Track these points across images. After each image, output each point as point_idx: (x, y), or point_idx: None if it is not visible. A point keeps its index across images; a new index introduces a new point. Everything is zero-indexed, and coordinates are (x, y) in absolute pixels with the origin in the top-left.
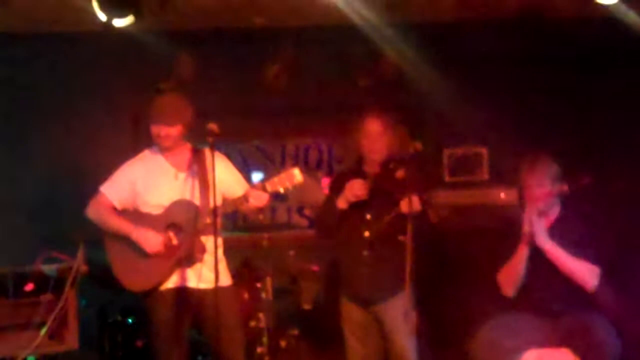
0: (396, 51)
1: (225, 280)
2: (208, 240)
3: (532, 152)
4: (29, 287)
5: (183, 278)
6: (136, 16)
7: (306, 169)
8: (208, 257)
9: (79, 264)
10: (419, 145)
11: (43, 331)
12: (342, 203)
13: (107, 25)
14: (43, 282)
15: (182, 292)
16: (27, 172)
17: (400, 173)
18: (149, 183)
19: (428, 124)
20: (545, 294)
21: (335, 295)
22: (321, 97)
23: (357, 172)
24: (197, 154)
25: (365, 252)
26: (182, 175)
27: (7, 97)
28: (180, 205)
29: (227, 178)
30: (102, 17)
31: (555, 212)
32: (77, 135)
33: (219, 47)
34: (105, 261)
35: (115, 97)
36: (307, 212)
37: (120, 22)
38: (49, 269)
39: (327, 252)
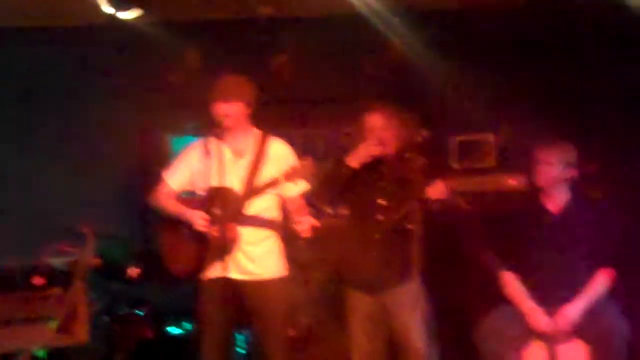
0: (402, 39)
1: (273, 272)
2: (253, 231)
3: (550, 134)
4: (38, 280)
5: (224, 268)
6: (143, 8)
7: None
8: (250, 248)
9: (88, 257)
10: (425, 133)
11: (53, 325)
12: (353, 161)
13: (112, 17)
14: (52, 276)
15: (224, 282)
16: (34, 165)
17: (420, 161)
18: (205, 169)
19: (434, 111)
20: (552, 282)
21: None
22: (327, 86)
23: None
24: (262, 140)
25: (377, 236)
26: (241, 162)
27: (13, 91)
28: (220, 191)
29: (278, 170)
30: (108, 9)
31: (565, 197)
32: (84, 128)
33: (224, 37)
34: (113, 254)
35: (121, 89)
36: (315, 201)
37: (125, 15)
38: (58, 262)
39: (337, 242)
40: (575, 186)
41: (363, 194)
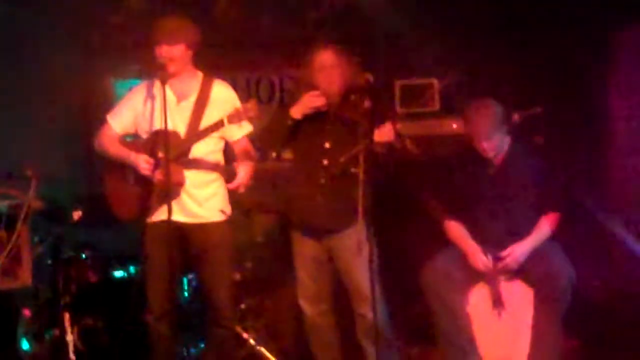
0: None
1: (218, 215)
2: (199, 174)
3: (475, 99)
4: None
5: (169, 211)
6: None
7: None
8: (195, 191)
9: (31, 199)
10: (370, 77)
11: None
12: (296, 113)
13: None
14: None
15: (169, 225)
16: None
17: (367, 103)
18: (149, 112)
19: (379, 55)
20: (498, 225)
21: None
22: (271, 29)
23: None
24: (205, 83)
25: (322, 181)
26: (185, 105)
27: None
28: (164, 134)
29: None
30: None
31: (506, 145)
32: (28, 71)
33: None
34: (57, 196)
35: (65, 32)
36: (259, 145)
37: None
38: (1, 205)
39: (281, 185)
40: (519, 131)
41: (309, 137)
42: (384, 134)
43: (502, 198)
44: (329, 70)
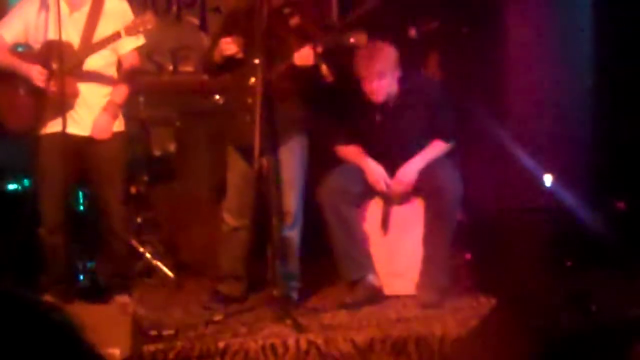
0: None
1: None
2: (93, 87)
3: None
4: None
5: (64, 123)
6: None
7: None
8: (90, 103)
9: None
10: None
11: None
12: (217, 58)
13: None
14: None
15: (63, 138)
16: None
17: (294, 20)
18: (41, 22)
19: None
20: (390, 141)
21: (189, 141)
22: None
23: (249, 11)
24: None
25: (249, 100)
26: (76, 15)
27: None
28: (58, 45)
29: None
30: None
31: (395, 89)
32: None
33: None
34: None
35: None
36: (156, 57)
37: None
38: None
39: (176, 99)
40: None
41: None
42: (303, 57)
43: (390, 144)
44: None
